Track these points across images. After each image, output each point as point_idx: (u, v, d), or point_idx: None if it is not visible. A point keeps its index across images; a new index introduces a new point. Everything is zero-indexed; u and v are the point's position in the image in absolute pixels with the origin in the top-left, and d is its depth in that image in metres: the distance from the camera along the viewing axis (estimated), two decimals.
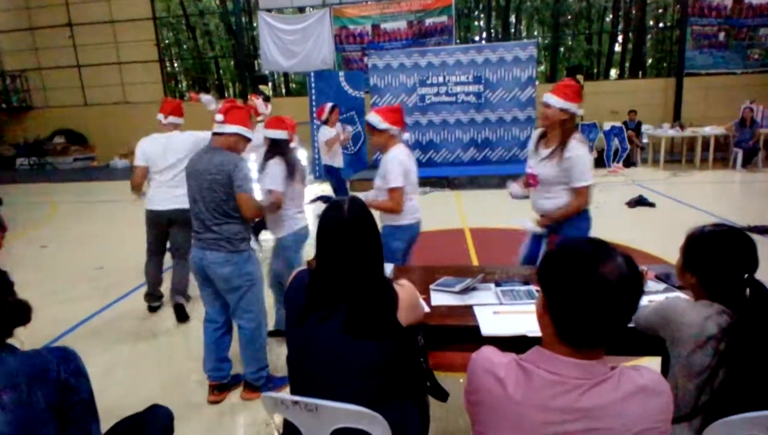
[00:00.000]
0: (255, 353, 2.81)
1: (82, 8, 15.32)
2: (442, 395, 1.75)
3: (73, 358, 1.35)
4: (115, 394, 2.92)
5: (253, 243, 3.12)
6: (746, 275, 1.43)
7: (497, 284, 2.20)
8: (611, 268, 0.99)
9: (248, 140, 2.80)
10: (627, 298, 1.01)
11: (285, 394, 1.46)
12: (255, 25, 15.58)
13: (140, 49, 15.58)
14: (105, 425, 1.53)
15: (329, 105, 6.93)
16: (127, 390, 3.02)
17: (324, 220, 1.57)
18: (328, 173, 7.10)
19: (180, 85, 21.21)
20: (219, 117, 2.74)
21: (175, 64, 20.56)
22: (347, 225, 1.52)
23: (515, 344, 1.74)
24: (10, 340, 1.31)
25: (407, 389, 1.61)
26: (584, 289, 0.99)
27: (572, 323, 1.02)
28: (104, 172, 14.76)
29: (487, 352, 1.16)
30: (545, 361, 1.05)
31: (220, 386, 2.85)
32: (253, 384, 2.82)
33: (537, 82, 11.11)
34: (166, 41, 18.05)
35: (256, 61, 16.60)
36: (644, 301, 1.81)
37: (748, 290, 1.43)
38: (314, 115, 10.72)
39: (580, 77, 11.13)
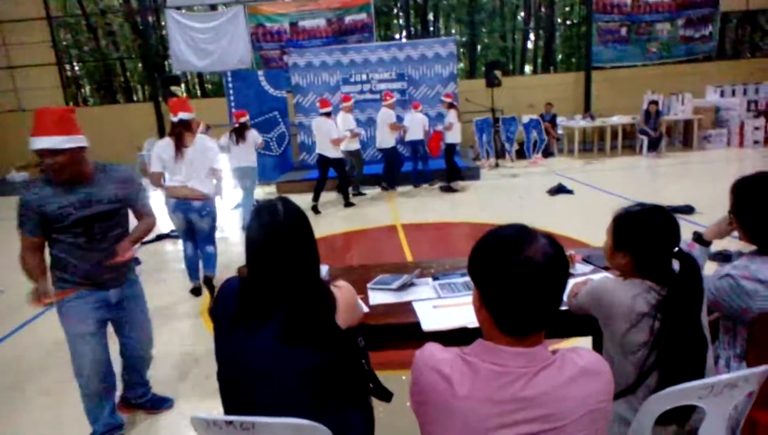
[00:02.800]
0: None
1: None
2: (386, 396, 1.68)
3: None
4: (19, 426, 2.61)
5: None
6: (676, 249, 1.48)
7: (434, 278, 2.17)
8: (535, 250, 1.00)
9: None
10: (555, 277, 1.01)
11: (217, 414, 1.33)
12: (163, 23, 14.81)
13: (35, 51, 14.32)
14: None
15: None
16: (37, 419, 2.71)
17: (257, 223, 1.44)
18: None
19: (83, 90, 19.77)
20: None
21: (76, 67, 19.11)
22: (283, 228, 1.42)
23: (457, 337, 1.71)
24: None
25: (349, 394, 1.53)
26: (512, 274, 0.99)
27: (508, 311, 1.01)
28: (1, 186, 13.45)
29: (431, 348, 1.11)
30: (488, 354, 1.02)
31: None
32: None
33: (457, 77, 11.36)
34: (64, 43, 16.71)
35: (166, 62, 15.81)
36: (570, 283, 1.85)
37: (677, 264, 1.48)
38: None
39: (498, 73, 11.55)
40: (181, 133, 4.25)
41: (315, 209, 7.52)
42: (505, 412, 0.97)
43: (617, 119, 11.56)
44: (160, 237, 6.62)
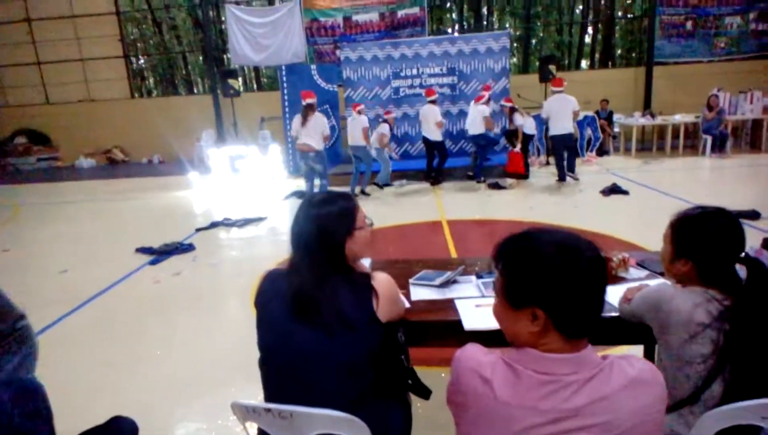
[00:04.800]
0: None
1: (40, 3, 14.75)
2: (425, 393, 1.67)
3: (33, 396, 1.18)
4: (78, 408, 2.76)
5: None
6: (743, 254, 1.39)
7: (478, 276, 2.13)
8: (588, 248, 1.00)
9: None
10: (605, 269, 1.02)
11: (257, 401, 1.36)
12: (223, 18, 15.25)
13: (104, 44, 15.10)
14: None
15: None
16: (93, 399, 2.87)
17: (301, 215, 1.49)
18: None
19: (147, 82, 20.66)
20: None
21: (141, 60, 20.00)
22: (317, 221, 1.45)
23: (499, 338, 1.67)
24: None
25: (388, 389, 1.53)
26: (583, 276, 0.97)
27: (574, 316, 0.98)
28: (69, 172, 14.30)
29: (472, 350, 1.09)
30: (533, 362, 0.99)
31: None
32: None
33: (510, 73, 11.12)
34: (131, 36, 17.52)
35: (225, 56, 16.29)
36: (623, 287, 1.77)
37: (744, 271, 1.39)
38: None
39: (552, 68, 11.22)
40: (306, 111, 7.13)
41: (433, 182, 8.90)
42: (549, 422, 0.94)
43: (680, 118, 10.98)
44: (215, 224, 6.85)
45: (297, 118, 7.39)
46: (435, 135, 8.67)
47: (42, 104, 15.69)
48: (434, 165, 9.09)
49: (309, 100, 7.20)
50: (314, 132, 7.16)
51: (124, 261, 5.44)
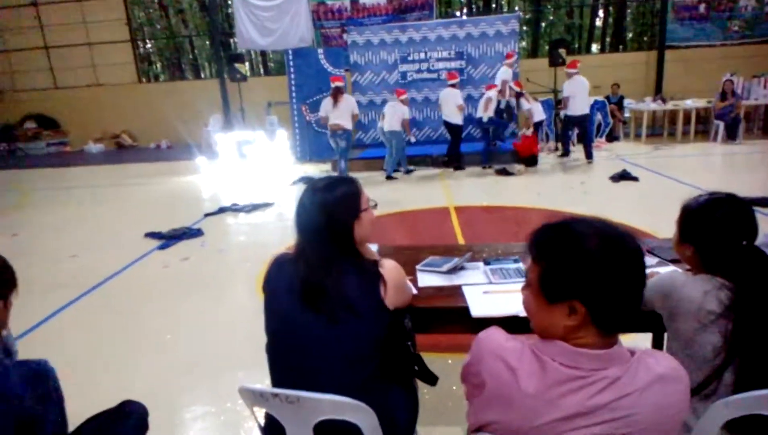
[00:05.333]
0: None
1: None
2: (431, 379, 1.67)
3: (44, 379, 1.18)
4: (88, 392, 2.80)
5: None
6: (744, 243, 1.36)
7: (486, 263, 2.12)
8: (629, 241, 0.96)
9: None
10: (644, 261, 0.98)
11: (265, 386, 1.36)
12: (230, 2, 15.13)
13: (111, 28, 15.06)
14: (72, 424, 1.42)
15: None
16: (103, 384, 2.90)
17: (305, 200, 1.47)
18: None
19: (154, 66, 20.62)
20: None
21: (148, 45, 19.94)
22: (318, 205, 1.43)
23: (506, 325, 1.66)
24: None
25: (394, 375, 1.53)
26: (625, 269, 0.94)
27: (615, 311, 0.95)
28: (79, 156, 14.37)
29: (496, 334, 1.06)
30: (562, 355, 0.96)
31: None
32: None
33: (519, 57, 10.98)
34: (138, 20, 17.43)
35: (232, 40, 16.20)
36: None
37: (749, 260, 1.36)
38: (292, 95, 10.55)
39: (562, 52, 11.07)
40: (336, 93, 7.82)
41: (456, 168, 8.90)
42: (571, 417, 0.93)
43: (691, 103, 10.82)
44: (223, 209, 6.87)
45: (327, 100, 8.03)
46: (456, 118, 8.65)
47: (50, 89, 15.73)
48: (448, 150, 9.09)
49: (338, 84, 7.95)
50: (345, 112, 7.87)
51: (133, 246, 5.47)
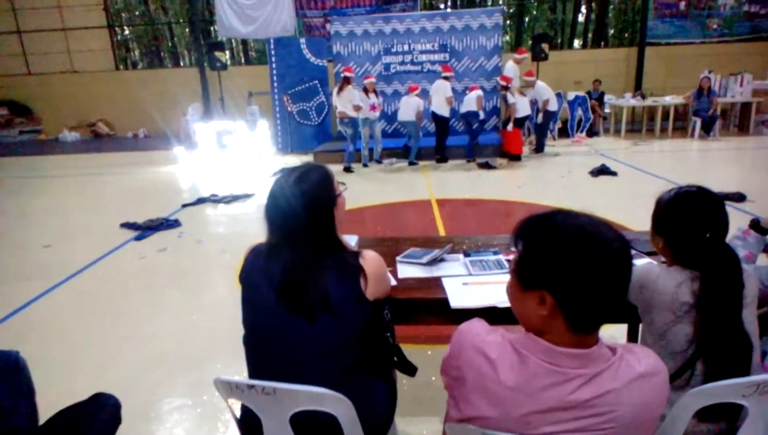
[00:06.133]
0: None
1: None
2: (411, 370, 1.67)
3: (15, 372, 1.14)
4: (60, 384, 2.74)
5: None
6: (709, 235, 1.38)
7: (466, 255, 2.12)
8: (611, 239, 0.93)
9: None
10: (629, 265, 0.95)
11: (240, 378, 1.34)
12: None
13: (87, 14, 14.67)
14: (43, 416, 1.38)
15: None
16: (76, 376, 2.84)
17: (275, 193, 1.43)
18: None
19: (132, 54, 20.17)
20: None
21: (126, 31, 19.48)
22: (293, 194, 1.39)
23: (485, 316, 1.67)
24: None
25: (373, 366, 1.52)
26: (602, 267, 0.91)
27: (586, 309, 0.93)
28: (53, 145, 14.01)
29: (477, 326, 1.06)
30: (541, 351, 0.95)
31: None
32: None
33: (502, 51, 11.01)
34: (116, 6, 17.00)
35: (212, 28, 15.93)
36: None
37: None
38: (274, 86, 10.43)
39: (545, 46, 11.13)
40: (342, 83, 8.43)
41: (440, 160, 9.04)
42: (551, 410, 0.93)
43: (670, 99, 10.99)
44: (201, 200, 6.77)
45: (336, 89, 8.68)
46: (443, 110, 8.71)
47: (23, 75, 15.27)
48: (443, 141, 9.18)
49: (346, 74, 8.57)
50: (347, 101, 8.32)
51: (108, 236, 5.37)
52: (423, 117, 9.11)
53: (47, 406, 1.37)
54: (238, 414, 1.45)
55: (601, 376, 0.93)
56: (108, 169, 9.88)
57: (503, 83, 9.08)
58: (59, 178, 9.34)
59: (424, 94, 9.23)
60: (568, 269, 0.92)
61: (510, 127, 8.92)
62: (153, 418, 2.45)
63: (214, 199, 6.81)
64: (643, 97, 11.43)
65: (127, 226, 5.67)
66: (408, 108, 8.81)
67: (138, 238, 5.28)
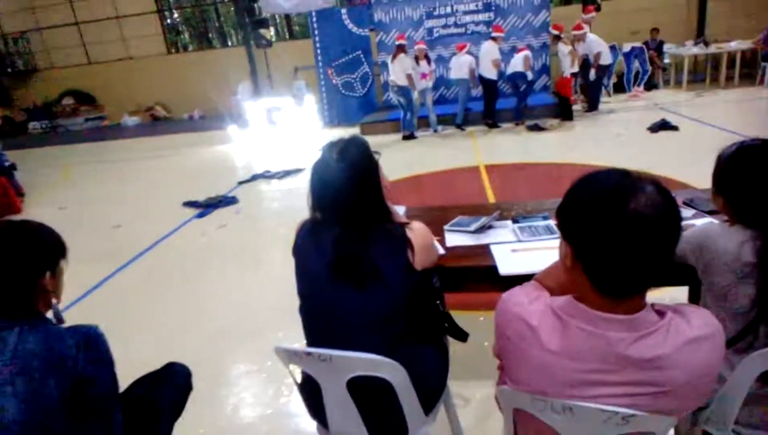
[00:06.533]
0: None
1: None
2: (462, 336, 1.71)
3: (95, 343, 1.23)
4: (134, 356, 2.96)
5: None
6: None
7: (514, 221, 2.11)
8: (643, 201, 0.86)
9: None
10: (666, 231, 0.87)
11: (299, 346, 1.42)
12: None
13: (137, 1, 15.10)
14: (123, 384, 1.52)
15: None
16: (149, 347, 3.07)
17: (320, 168, 1.44)
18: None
19: (182, 37, 20.62)
20: None
21: (175, 15, 19.90)
22: (340, 169, 1.40)
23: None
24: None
25: (425, 333, 1.56)
26: (617, 231, 0.86)
27: (609, 272, 0.90)
28: (116, 130, 14.74)
29: (518, 297, 1.06)
30: (581, 317, 0.94)
31: None
32: None
33: (551, 5, 10.50)
34: None
35: (256, 5, 15.99)
36: None
37: None
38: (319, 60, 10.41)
39: None
40: (396, 51, 8.29)
41: (491, 125, 8.82)
42: (599, 370, 0.93)
43: (735, 45, 10.16)
44: (255, 177, 6.99)
45: (390, 57, 8.73)
46: (490, 73, 8.46)
47: (84, 64, 16.02)
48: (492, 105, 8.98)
49: (399, 42, 8.40)
50: (398, 69, 8.19)
51: (172, 215, 5.65)
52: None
53: (125, 376, 1.50)
54: (299, 379, 1.54)
55: (646, 340, 0.91)
56: (167, 151, 10.32)
57: (555, 32, 8.61)
58: (124, 161, 9.84)
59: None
60: (585, 228, 0.91)
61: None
62: (222, 383, 2.63)
63: (268, 175, 7.01)
64: (706, 44, 10.64)
65: (189, 204, 5.95)
66: (459, 67, 8.61)
67: (199, 216, 5.53)
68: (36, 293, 1.24)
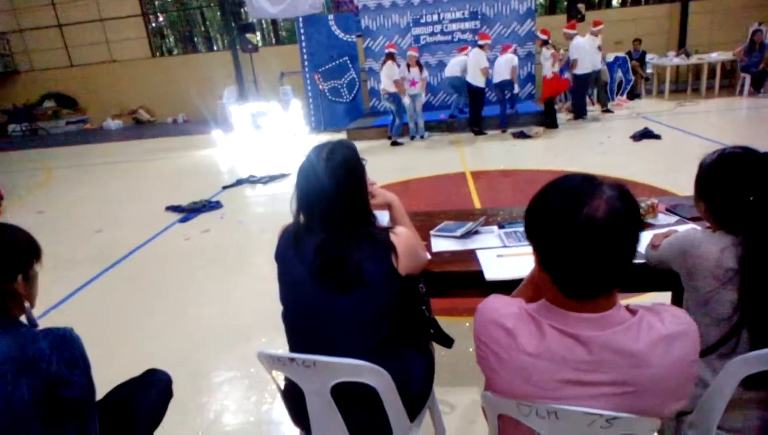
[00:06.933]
0: None
1: None
2: (447, 342, 1.70)
3: (69, 345, 1.20)
4: (113, 361, 2.90)
5: None
6: (751, 198, 1.32)
7: (500, 226, 2.11)
8: (598, 206, 0.87)
9: None
10: (623, 235, 0.88)
11: (282, 351, 1.40)
12: None
13: (122, 3, 14.98)
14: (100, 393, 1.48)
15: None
16: (129, 353, 3.01)
17: (306, 171, 1.42)
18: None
19: (167, 40, 20.50)
20: None
21: (160, 18, 19.79)
22: (327, 170, 1.39)
23: None
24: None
25: (410, 339, 1.55)
26: (571, 235, 0.87)
27: (569, 275, 0.92)
28: (98, 134, 14.53)
29: (494, 302, 1.08)
30: (554, 318, 0.96)
31: None
32: None
33: (537, 15, 10.64)
34: None
35: (242, 9, 15.97)
36: (650, 234, 1.72)
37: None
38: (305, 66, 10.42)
39: (581, 7, 10.68)
40: (385, 59, 8.43)
41: (477, 132, 8.85)
42: (575, 370, 0.94)
43: (716, 56, 10.39)
44: (240, 181, 6.93)
45: (379, 64, 8.95)
46: (478, 81, 8.49)
47: (66, 67, 15.80)
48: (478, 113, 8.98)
49: (388, 50, 8.54)
50: (386, 77, 8.34)
51: (155, 219, 5.58)
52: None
53: (104, 382, 1.47)
54: (282, 385, 1.51)
55: (616, 338, 0.92)
56: (151, 155, 10.20)
57: (543, 37, 8.66)
58: (106, 165, 9.71)
59: (439, 67, 9.04)
60: (544, 232, 0.94)
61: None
62: (204, 390, 2.58)
63: (253, 180, 6.96)
64: (688, 54, 10.86)
65: (172, 208, 5.87)
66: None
67: (182, 221, 5.46)
68: (7, 297, 1.20)
